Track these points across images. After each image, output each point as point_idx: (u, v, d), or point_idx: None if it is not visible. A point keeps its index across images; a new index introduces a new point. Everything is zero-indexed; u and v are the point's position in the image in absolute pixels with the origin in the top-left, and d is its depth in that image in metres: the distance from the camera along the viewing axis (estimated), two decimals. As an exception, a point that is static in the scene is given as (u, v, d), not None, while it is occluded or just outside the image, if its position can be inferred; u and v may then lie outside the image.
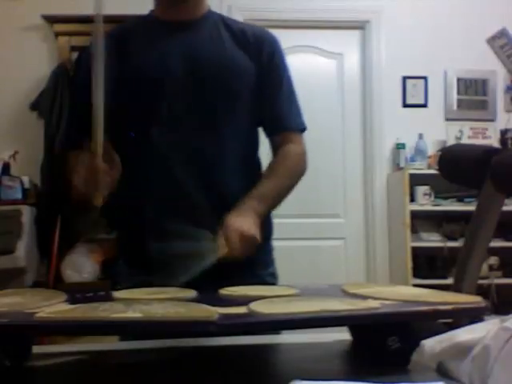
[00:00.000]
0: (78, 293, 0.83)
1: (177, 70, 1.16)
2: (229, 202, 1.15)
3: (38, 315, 0.63)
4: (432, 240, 3.37)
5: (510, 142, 3.58)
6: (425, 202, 3.34)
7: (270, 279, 1.23)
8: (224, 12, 2.98)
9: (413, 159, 3.48)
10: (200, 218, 1.14)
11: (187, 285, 0.89)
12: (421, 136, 3.54)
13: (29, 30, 3.37)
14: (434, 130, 3.59)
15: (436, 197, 3.36)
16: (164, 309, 0.66)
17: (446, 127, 3.65)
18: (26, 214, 2.95)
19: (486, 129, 3.66)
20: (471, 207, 1.11)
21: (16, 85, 3.32)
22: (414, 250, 3.27)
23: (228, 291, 0.85)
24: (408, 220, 3.26)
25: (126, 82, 1.17)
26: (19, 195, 3.07)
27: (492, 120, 3.68)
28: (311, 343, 0.85)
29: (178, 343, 0.84)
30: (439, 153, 1.24)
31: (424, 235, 3.41)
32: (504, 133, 3.62)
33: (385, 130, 3.59)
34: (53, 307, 0.70)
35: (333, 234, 3.61)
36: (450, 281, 2.99)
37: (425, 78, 3.64)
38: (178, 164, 1.15)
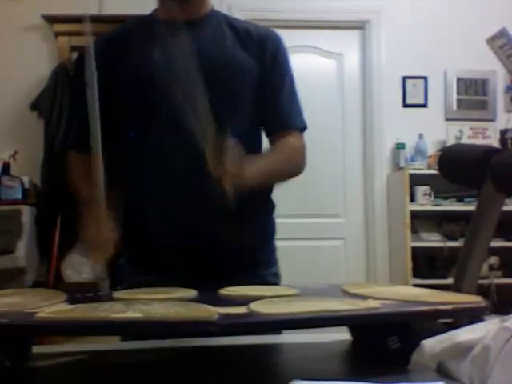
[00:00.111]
0: (77, 293, 0.83)
1: (179, 70, 1.16)
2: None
3: (38, 315, 0.63)
4: (432, 240, 3.37)
5: (509, 141, 3.58)
6: (425, 201, 3.34)
7: (272, 279, 1.23)
8: (224, 12, 2.98)
9: (413, 159, 3.48)
10: (201, 218, 1.14)
11: (188, 285, 0.88)
12: (421, 136, 3.54)
13: (29, 29, 3.37)
14: (433, 129, 3.59)
15: (436, 197, 3.36)
16: (164, 309, 0.66)
17: (446, 127, 3.65)
18: (26, 213, 2.95)
19: (486, 129, 3.66)
20: (471, 207, 1.11)
21: (16, 85, 3.32)
22: (414, 249, 3.27)
23: (228, 291, 0.85)
24: (408, 220, 3.26)
25: (127, 81, 1.17)
26: (19, 195, 3.07)
27: (492, 120, 3.68)
28: (311, 343, 0.85)
29: (178, 343, 0.84)
30: (439, 153, 1.24)
31: (424, 235, 3.41)
32: (504, 133, 3.62)
33: (385, 129, 3.59)
34: (53, 307, 0.70)
35: (333, 234, 3.61)
36: (450, 281, 2.99)
37: (425, 78, 3.64)
38: (179, 164, 1.14)
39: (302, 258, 3.43)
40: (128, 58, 1.18)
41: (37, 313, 0.64)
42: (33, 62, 3.34)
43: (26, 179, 3.14)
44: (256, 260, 1.19)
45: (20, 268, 2.82)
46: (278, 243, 1.28)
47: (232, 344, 0.83)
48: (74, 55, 3.23)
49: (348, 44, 3.68)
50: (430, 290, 0.82)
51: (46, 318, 0.63)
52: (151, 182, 1.17)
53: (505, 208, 1.02)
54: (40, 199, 3.11)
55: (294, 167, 1.23)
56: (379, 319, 0.67)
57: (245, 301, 0.70)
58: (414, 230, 3.37)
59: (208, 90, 1.17)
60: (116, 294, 0.82)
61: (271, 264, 1.25)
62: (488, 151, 1.00)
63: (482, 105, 3.68)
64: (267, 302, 0.71)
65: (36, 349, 0.77)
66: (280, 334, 0.94)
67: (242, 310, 0.67)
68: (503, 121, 3.65)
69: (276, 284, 1.22)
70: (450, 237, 3.31)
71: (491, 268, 3.27)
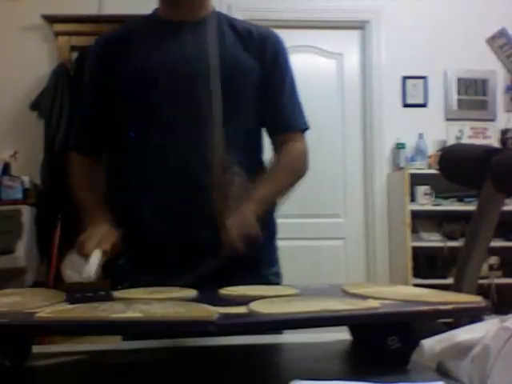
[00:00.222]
0: (77, 293, 0.83)
1: (180, 70, 1.16)
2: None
3: (37, 315, 0.63)
4: (432, 240, 3.37)
5: (510, 141, 3.58)
6: (425, 201, 3.34)
7: (274, 279, 1.23)
8: (223, 12, 2.97)
9: (413, 159, 3.48)
10: (200, 218, 1.14)
11: (188, 285, 0.88)
12: (421, 136, 3.54)
13: (29, 29, 3.37)
14: (434, 129, 3.59)
15: (436, 196, 3.36)
16: (164, 309, 0.66)
17: (446, 127, 3.65)
18: (26, 213, 2.95)
19: (486, 129, 3.66)
20: (471, 207, 1.11)
21: (16, 85, 3.32)
22: (414, 249, 3.27)
23: (228, 291, 0.85)
24: (408, 220, 3.26)
25: (128, 81, 1.17)
26: (19, 195, 3.07)
27: (492, 120, 3.68)
28: (311, 343, 0.85)
29: (178, 343, 0.84)
30: (439, 153, 1.24)
31: (424, 235, 3.41)
32: (504, 133, 3.62)
33: (385, 129, 3.59)
34: (53, 307, 0.70)
35: (333, 234, 3.61)
36: (450, 281, 2.99)
37: (425, 78, 3.64)
38: (179, 164, 1.14)
39: (302, 258, 3.42)
40: (129, 58, 1.18)
41: (37, 313, 0.64)
42: (33, 62, 3.35)
43: (26, 179, 3.14)
44: (257, 260, 1.18)
45: (20, 268, 2.82)
46: (279, 243, 1.28)
47: (232, 344, 0.83)
48: (74, 55, 3.23)
49: (348, 44, 3.68)
50: (430, 290, 0.82)
51: (46, 317, 0.63)
52: (151, 182, 1.17)
53: (505, 208, 1.02)
54: (40, 199, 3.11)
55: (298, 178, 1.23)
56: (379, 319, 0.67)
57: (245, 301, 0.70)
58: (414, 230, 3.37)
59: (209, 90, 1.17)
60: (116, 294, 0.82)
61: (272, 264, 1.25)
62: (488, 151, 1.01)
63: (482, 105, 3.68)
64: (267, 301, 0.71)
65: (36, 349, 0.77)
66: (280, 333, 0.94)
67: (241, 309, 0.67)
68: (503, 121, 3.65)
69: (277, 283, 1.22)
70: (450, 237, 3.31)
71: (491, 268, 3.27)
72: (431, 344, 0.66)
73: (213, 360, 0.79)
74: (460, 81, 3.66)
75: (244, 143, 1.20)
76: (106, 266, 1.03)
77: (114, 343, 0.91)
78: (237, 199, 1.04)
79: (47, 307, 0.69)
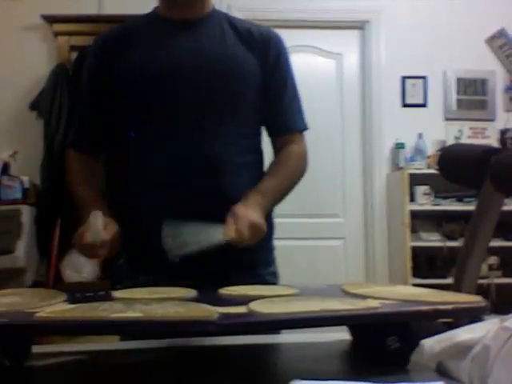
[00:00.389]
0: (77, 292, 0.83)
1: (180, 69, 1.16)
2: (230, 200, 1.15)
3: (37, 315, 0.63)
4: (432, 240, 3.37)
5: (509, 141, 3.58)
6: (424, 201, 3.34)
7: (270, 278, 1.23)
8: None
9: (412, 159, 3.48)
10: (200, 218, 1.14)
11: (188, 285, 0.88)
12: (420, 136, 3.54)
13: (28, 29, 3.37)
14: (433, 129, 3.59)
15: (435, 196, 3.36)
16: (164, 308, 0.66)
17: (446, 127, 3.66)
18: (26, 213, 2.95)
19: (486, 129, 3.66)
20: (471, 207, 1.11)
21: (15, 84, 3.32)
22: (414, 249, 3.27)
23: (228, 291, 0.85)
24: (407, 220, 3.26)
25: (128, 80, 1.17)
26: (19, 195, 3.07)
27: (491, 120, 3.68)
28: (311, 343, 0.85)
29: (178, 343, 0.84)
30: (439, 153, 1.24)
31: (424, 235, 3.41)
32: (503, 132, 3.62)
33: (384, 129, 3.59)
34: (52, 307, 0.70)
35: (332, 234, 3.61)
36: (449, 280, 2.99)
37: (424, 78, 3.64)
38: (180, 163, 1.14)
39: (301, 258, 3.42)
40: (129, 56, 1.18)
41: (36, 313, 0.64)
42: (32, 62, 3.34)
43: (25, 179, 3.14)
44: (255, 260, 1.19)
45: (20, 268, 2.82)
46: (278, 243, 1.28)
47: (232, 344, 0.83)
48: (74, 55, 3.23)
49: (348, 44, 3.68)
50: (430, 290, 0.82)
51: (46, 317, 0.63)
52: (150, 182, 1.17)
53: (504, 208, 1.02)
54: (40, 199, 3.11)
55: (299, 178, 1.24)
56: (379, 319, 0.67)
57: (244, 300, 0.70)
58: (414, 230, 3.37)
59: (209, 89, 1.17)
60: (116, 294, 0.82)
61: (269, 263, 1.25)
62: (487, 151, 1.01)
63: (482, 105, 3.68)
64: (267, 301, 0.71)
65: (35, 349, 0.77)
66: (278, 333, 0.94)
67: (241, 309, 0.67)
68: (502, 121, 3.66)
69: (274, 283, 1.22)
70: (450, 236, 3.31)
71: (491, 268, 3.27)
72: (431, 344, 0.66)
73: (212, 360, 0.79)
74: (459, 81, 3.66)
75: (244, 143, 1.21)
76: (106, 266, 1.03)
77: (113, 343, 0.91)
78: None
79: (47, 307, 0.69)
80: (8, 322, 0.62)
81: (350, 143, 3.64)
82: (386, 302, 0.71)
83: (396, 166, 3.52)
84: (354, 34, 3.68)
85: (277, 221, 1.26)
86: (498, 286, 3.21)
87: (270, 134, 1.28)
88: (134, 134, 1.19)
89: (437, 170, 1.15)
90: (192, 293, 0.83)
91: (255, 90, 1.21)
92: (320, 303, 0.69)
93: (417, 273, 3.24)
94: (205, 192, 1.14)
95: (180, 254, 1.00)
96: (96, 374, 0.72)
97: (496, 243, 3.12)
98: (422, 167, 3.40)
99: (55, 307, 0.70)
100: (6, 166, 3.16)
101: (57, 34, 3.29)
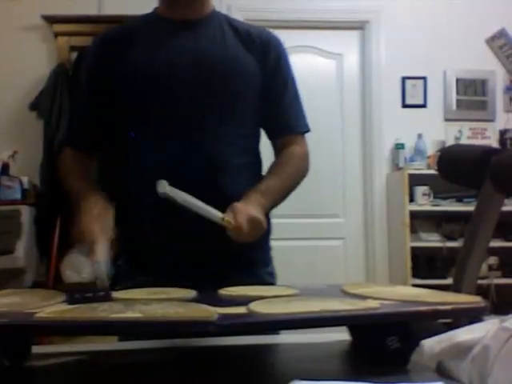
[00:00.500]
0: (77, 293, 0.83)
1: (180, 70, 1.16)
2: (230, 200, 1.15)
3: (37, 315, 0.63)
4: (431, 240, 3.37)
5: (509, 142, 3.59)
6: (424, 202, 3.34)
7: (268, 278, 1.23)
8: (223, 12, 2.97)
9: (412, 159, 3.48)
10: (200, 218, 1.14)
11: (187, 285, 0.88)
12: (420, 136, 3.54)
13: (28, 30, 3.37)
14: (433, 130, 3.60)
15: (435, 197, 3.36)
16: (163, 309, 0.66)
17: (446, 127, 3.66)
18: (26, 214, 2.95)
19: (485, 129, 3.66)
20: (470, 207, 1.11)
21: (15, 85, 3.32)
22: (414, 250, 3.27)
23: (228, 291, 0.85)
24: (407, 220, 3.26)
25: (129, 79, 1.17)
26: (18, 195, 3.07)
27: (491, 120, 3.68)
28: (311, 343, 0.85)
29: (178, 343, 0.84)
30: (438, 153, 1.24)
31: (423, 235, 3.41)
32: (503, 133, 3.62)
33: (384, 130, 3.59)
34: (52, 307, 0.70)
35: (332, 234, 3.61)
36: (449, 281, 2.99)
37: (424, 79, 3.64)
38: (180, 163, 1.14)
39: (301, 258, 3.43)
40: (128, 56, 1.18)
41: (36, 313, 0.64)
42: (32, 62, 3.34)
43: (25, 179, 3.14)
44: (253, 259, 1.19)
45: (19, 268, 2.82)
46: (278, 243, 1.28)
47: (232, 344, 0.83)
48: (74, 55, 3.23)
49: (348, 44, 3.68)
50: (430, 290, 0.82)
51: (46, 318, 0.63)
52: (150, 182, 1.17)
53: (504, 208, 1.02)
54: (39, 199, 3.11)
55: (300, 178, 1.24)
56: (379, 319, 0.67)
57: (244, 301, 0.70)
58: (414, 230, 3.37)
59: (209, 89, 1.17)
60: (115, 294, 0.82)
61: (267, 263, 1.25)
62: (487, 151, 1.01)
63: (482, 105, 3.68)
64: (266, 302, 0.71)
65: (35, 349, 0.77)
66: (277, 334, 0.94)
67: (241, 310, 0.67)
68: (502, 121, 3.66)
69: (272, 283, 1.22)
70: (450, 237, 3.31)
71: (490, 268, 3.28)
72: (431, 344, 0.66)
73: (212, 360, 0.79)
74: (459, 81, 3.66)
75: (243, 143, 1.21)
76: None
77: (113, 343, 0.91)
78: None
79: (47, 307, 0.69)
80: (8, 322, 0.62)
81: (350, 143, 3.64)
82: (386, 302, 0.71)
83: (396, 167, 3.52)
84: (353, 34, 3.68)
85: (277, 221, 1.26)
86: (498, 286, 3.21)
87: (271, 136, 1.27)
88: (133, 134, 1.19)
89: (436, 170, 1.15)
90: (192, 293, 0.83)
91: (255, 91, 1.21)
92: (320, 303, 0.69)
93: (416, 273, 3.25)
94: (205, 192, 1.14)
95: (172, 199, 1.01)
96: (96, 374, 0.72)
97: (496, 243, 3.12)
98: (421, 167, 3.40)
99: (55, 307, 0.70)
100: (5, 167, 3.17)
101: (57, 34, 3.29)
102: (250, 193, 1.12)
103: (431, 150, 3.53)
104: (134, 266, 1.20)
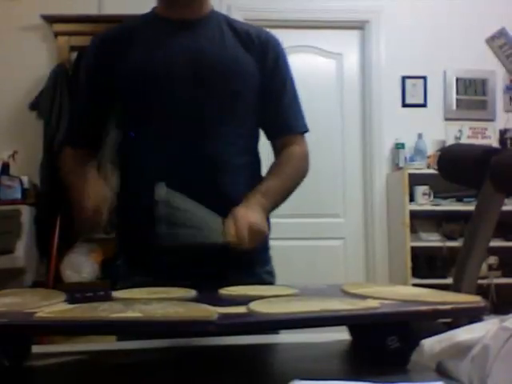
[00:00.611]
0: (77, 293, 0.83)
1: (179, 69, 1.16)
2: (230, 200, 1.15)
3: (37, 315, 0.63)
4: (431, 240, 3.37)
5: (509, 141, 3.59)
6: (424, 201, 3.34)
7: (267, 277, 1.23)
8: (223, 12, 2.97)
9: (412, 159, 3.48)
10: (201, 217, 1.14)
11: (187, 285, 0.88)
12: (420, 136, 3.54)
13: (28, 29, 3.37)
14: (433, 129, 3.59)
15: (435, 197, 3.36)
16: (163, 308, 0.66)
17: (446, 127, 3.66)
18: (26, 213, 2.95)
19: (486, 129, 3.66)
20: (471, 207, 1.11)
21: (15, 85, 3.32)
22: (414, 249, 3.27)
23: (228, 291, 0.85)
24: (407, 220, 3.26)
25: (128, 79, 1.17)
26: (18, 195, 3.07)
27: (491, 120, 3.68)
28: (311, 343, 0.85)
29: (178, 343, 0.84)
30: (438, 153, 1.24)
31: (423, 235, 3.41)
32: (503, 133, 3.62)
33: (384, 129, 3.59)
34: (52, 307, 0.70)
35: (332, 234, 3.61)
36: (449, 280, 2.99)
37: (424, 78, 3.64)
38: (179, 163, 1.14)
39: (301, 258, 3.43)
40: (128, 56, 1.18)
41: (36, 313, 0.64)
42: (32, 62, 3.34)
43: (25, 179, 3.14)
44: (252, 259, 1.19)
45: (19, 268, 2.82)
46: (278, 243, 1.28)
47: (232, 344, 0.83)
48: (74, 55, 3.23)
49: (347, 44, 3.68)
50: (430, 290, 0.82)
51: (46, 317, 0.63)
52: (150, 182, 1.17)
53: (504, 208, 1.02)
54: (39, 199, 3.11)
55: (300, 179, 1.24)
56: (379, 319, 0.67)
57: (244, 300, 0.70)
58: (414, 230, 3.37)
59: (208, 89, 1.17)
60: (115, 294, 0.82)
61: (266, 262, 1.26)
62: (487, 151, 1.00)
63: (482, 105, 3.68)
64: (266, 301, 0.71)
65: (35, 349, 0.77)
66: (277, 333, 0.94)
67: (241, 309, 0.67)
68: (502, 121, 3.66)
69: (271, 282, 1.23)
70: (450, 237, 3.31)
71: (490, 268, 3.28)
72: (431, 344, 0.66)
73: (212, 360, 0.79)
74: (459, 81, 3.66)
75: (243, 143, 1.21)
76: (105, 267, 1.03)
77: (113, 343, 0.91)
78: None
79: (47, 307, 0.69)
80: (8, 322, 0.62)
81: (350, 143, 3.64)
82: (386, 302, 0.71)
83: (396, 166, 3.52)
84: (353, 34, 3.68)
85: (277, 221, 1.26)
86: (498, 286, 3.21)
87: (271, 137, 1.28)
88: (133, 134, 1.19)
89: (436, 170, 1.15)
90: (192, 293, 0.83)
91: (254, 91, 1.21)
92: (320, 303, 0.69)
93: (416, 273, 3.24)
94: (205, 192, 1.14)
95: (172, 244, 1.00)
96: (96, 374, 0.72)
97: (496, 243, 3.12)
98: (421, 167, 3.40)
99: (55, 307, 0.70)
100: (5, 166, 3.17)
101: (57, 34, 3.29)
102: (251, 194, 1.12)
103: (431, 149, 3.53)
104: (134, 266, 1.20)
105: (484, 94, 3.68)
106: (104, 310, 0.65)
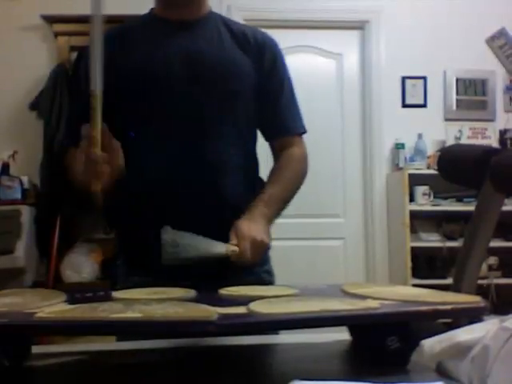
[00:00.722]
0: (77, 293, 0.83)
1: (178, 70, 1.16)
2: (228, 201, 1.15)
3: (37, 315, 0.63)
4: (431, 240, 3.37)
5: (509, 142, 3.59)
6: (424, 202, 3.34)
7: (266, 276, 1.23)
8: (223, 12, 2.98)
9: (412, 159, 3.48)
10: (200, 218, 1.14)
11: (186, 285, 0.88)
12: (420, 136, 3.54)
13: (28, 29, 3.37)
14: (433, 130, 3.60)
15: (435, 197, 3.36)
16: (163, 309, 0.66)
17: (446, 127, 3.66)
18: (26, 214, 2.95)
19: (486, 129, 3.66)
20: (471, 207, 1.11)
21: (15, 85, 3.32)
22: (414, 249, 3.27)
23: (228, 291, 0.85)
24: (407, 220, 3.26)
25: (126, 80, 1.17)
26: (18, 195, 3.07)
27: (491, 120, 3.68)
28: (311, 343, 0.85)
29: (178, 343, 0.84)
30: (438, 153, 1.24)
31: (423, 235, 3.41)
32: (503, 133, 3.62)
33: (384, 130, 3.59)
34: (52, 307, 0.70)
35: (332, 234, 3.61)
36: (449, 281, 2.99)
37: (424, 78, 3.64)
38: (179, 163, 1.15)
39: (301, 258, 3.43)
40: (127, 56, 1.18)
41: (36, 313, 0.64)
42: (32, 62, 3.34)
43: (25, 179, 3.14)
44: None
45: (19, 268, 2.82)
46: (278, 243, 1.28)
47: (232, 344, 0.83)
48: (74, 55, 3.23)
49: (347, 44, 3.68)
50: (430, 290, 0.82)
51: (46, 317, 0.63)
52: (150, 182, 1.17)
53: (504, 208, 1.02)
54: (39, 199, 3.11)
55: (300, 183, 1.25)
56: (378, 319, 0.67)
57: (244, 301, 0.70)
58: (414, 230, 3.37)
59: (207, 89, 1.17)
60: (115, 294, 0.82)
61: (264, 262, 1.26)
62: (487, 151, 1.01)
63: (482, 105, 3.68)
64: (266, 301, 0.71)
65: (35, 349, 0.77)
66: (277, 333, 0.94)
67: (241, 310, 0.67)
68: (502, 121, 3.66)
69: (270, 281, 1.23)
70: (450, 237, 3.31)
71: (490, 268, 3.28)
72: (431, 344, 0.66)
73: (212, 360, 0.79)
74: (459, 81, 3.66)
75: (242, 144, 1.21)
76: (105, 267, 1.02)
77: (113, 343, 0.91)
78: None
79: (47, 307, 0.69)
80: (8, 322, 0.62)
81: (350, 143, 3.64)
82: (386, 302, 0.71)
83: (396, 166, 3.52)
84: (353, 34, 3.68)
85: (277, 221, 1.26)
86: (498, 286, 3.21)
87: (269, 138, 1.28)
88: (133, 134, 1.19)
89: (436, 170, 1.15)
90: (191, 293, 0.83)
91: (252, 92, 1.21)
92: (320, 303, 0.69)
93: (416, 273, 3.25)
94: (204, 192, 1.14)
95: (177, 262, 1.00)
96: (96, 374, 0.72)
97: (496, 243, 3.13)
98: (421, 167, 3.40)
99: (55, 307, 0.70)
100: (5, 166, 3.17)
101: (57, 34, 3.29)
102: (254, 205, 1.12)
103: (431, 149, 3.53)
104: (133, 266, 1.20)
105: (484, 94, 3.68)
106: (104, 310, 0.65)
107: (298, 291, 0.84)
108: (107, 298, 0.79)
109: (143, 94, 1.16)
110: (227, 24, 1.25)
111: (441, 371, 0.65)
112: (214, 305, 0.68)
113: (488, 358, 0.57)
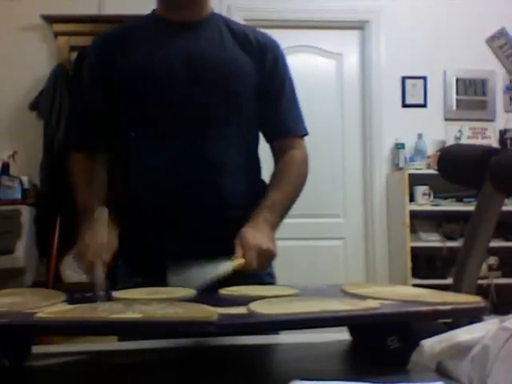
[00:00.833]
0: (77, 293, 0.83)
1: (179, 70, 1.16)
2: (228, 201, 1.15)
3: (37, 315, 0.63)
4: (431, 240, 3.37)
5: (509, 142, 3.59)
6: (424, 201, 3.34)
7: (268, 279, 1.23)
8: (223, 12, 2.97)
9: (412, 159, 3.48)
10: (200, 218, 1.14)
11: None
12: (420, 136, 3.54)
13: (28, 29, 3.37)
14: (433, 130, 3.59)
15: (435, 197, 3.36)
16: (163, 309, 0.66)
17: (446, 127, 3.66)
18: (26, 214, 2.95)
19: (486, 129, 3.66)
20: (470, 207, 1.11)
21: (15, 85, 3.32)
22: (414, 249, 3.27)
23: (228, 291, 0.85)
24: (407, 220, 3.26)
25: (129, 80, 1.17)
26: (18, 195, 3.07)
27: (491, 120, 3.68)
28: (311, 343, 0.85)
29: (178, 343, 0.84)
30: (438, 153, 1.24)
31: (423, 235, 3.41)
32: (503, 133, 3.62)
33: (384, 130, 3.59)
34: (52, 307, 0.70)
35: (332, 234, 3.61)
36: (449, 281, 2.99)
37: (424, 78, 3.64)
38: (179, 163, 1.15)
39: (301, 258, 3.42)
40: (128, 57, 1.18)
41: (36, 313, 0.64)
42: (32, 62, 3.34)
43: (25, 179, 3.14)
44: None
45: (19, 268, 2.82)
46: (278, 243, 1.27)
47: (232, 344, 0.83)
48: (74, 55, 3.23)
49: (347, 44, 3.68)
50: (430, 290, 0.82)
51: (46, 318, 0.63)
52: (150, 182, 1.17)
53: (504, 208, 1.02)
54: (39, 199, 3.11)
55: (302, 186, 1.25)
56: (379, 319, 0.68)
57: (244, 301, 0.70)
58: (414, 230, 3.37)
59: (208, 90, 1.17)
60: (115, 294, 0.82)
61: None
62: (487, 151, 1.00)
63: (482, 105, 3.68)
64: (267, 302, 0.71)
65: (35, 349, 0.77)
66: (277, 334, 0.94)
67: (241, 310, 0.67)
68: (502, 121, 3.66)
69: (272, 284, 1.22)
70: (450, 237, 3.31)
71: (490, 268, 3.27)
72: (431, 344, 0.66)
73: (212, 360, 0.79)
74: (459, 81, 3.66)
75: (243, 144, 1.21)
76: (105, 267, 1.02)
77: (113, 343, 0.91)
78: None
79: (47, 307, 0.69)
80: (8, 322, 0.62)
81: (350, 143, 3.64)
82: (386, 302, 0.71)
83: (396, 166, 3.52)
84: (354, 34, 3.68)
85: (277, 221, 1.26)
86: (498, 286, 3.21)
87: (269, 139, 1.27)
88: (133, 134, 1.19)
89: (436, 170, 1.15)
90: (192, 293, 0.83)
91: (253, 93, 1.21)
92: (320, 304, 0.69)
93: (416, 273, 3.24)
94: (204, 192, 1.14)
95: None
96: (96, 374, 0.72)
97: (496, 243, 3.12)
98: (421, 167, 3.40)
99: (55, 307, 0.70)
100: (5, 166, 3.17)
101: (57, 34, 3.29)
102: (257, 212, 1.12)
103: (431, 149, 3.53)
104: (134, 267, 1.20)
105: (484, 94, 3.68)
106: (104, 310, 0.65)
107: (298, 291, 0.84)
108: (107, 298, 0.80)
109: (144, 95, 1.16)
110: (229, 25, 1.25)
111: (441, 371, 0.65)
112: (214, 305, 0.68)
113: (488, 358, 0.57)
